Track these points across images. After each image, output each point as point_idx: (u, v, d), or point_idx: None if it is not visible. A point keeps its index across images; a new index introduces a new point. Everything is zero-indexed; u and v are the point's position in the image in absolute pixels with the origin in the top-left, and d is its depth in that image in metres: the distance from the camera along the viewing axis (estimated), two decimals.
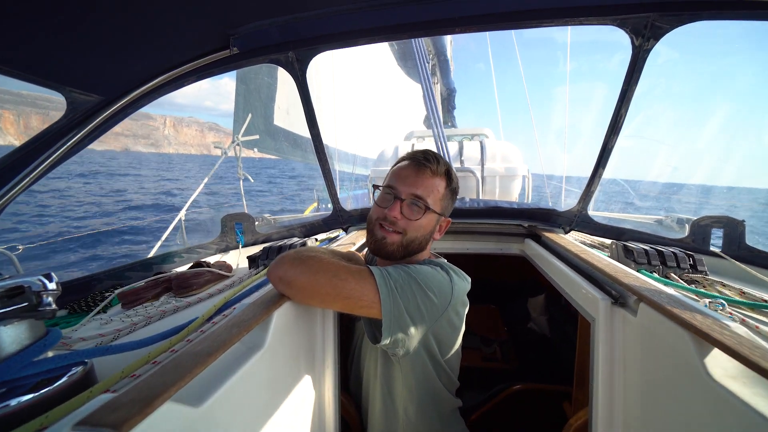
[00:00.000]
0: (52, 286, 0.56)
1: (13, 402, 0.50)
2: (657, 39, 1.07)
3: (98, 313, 1.10)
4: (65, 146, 1.01)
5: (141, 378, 0.61)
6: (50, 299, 0.55)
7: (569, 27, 1.31)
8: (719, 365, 0.62)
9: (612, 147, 1.33)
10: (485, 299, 2.89)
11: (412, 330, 0.87)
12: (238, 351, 0.70)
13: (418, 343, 0.93)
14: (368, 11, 1.19)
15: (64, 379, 0.56)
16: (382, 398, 1.04)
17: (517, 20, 1.19)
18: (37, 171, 0.96)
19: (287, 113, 5.58)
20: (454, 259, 2.01)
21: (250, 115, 4.39)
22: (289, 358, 0.85)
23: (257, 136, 4.28)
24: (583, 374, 1.21)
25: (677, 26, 1.03)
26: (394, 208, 0.96)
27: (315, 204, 5.32)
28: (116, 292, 1.17)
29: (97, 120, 1.06)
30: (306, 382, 0.93)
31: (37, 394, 0.52)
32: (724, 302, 0.82)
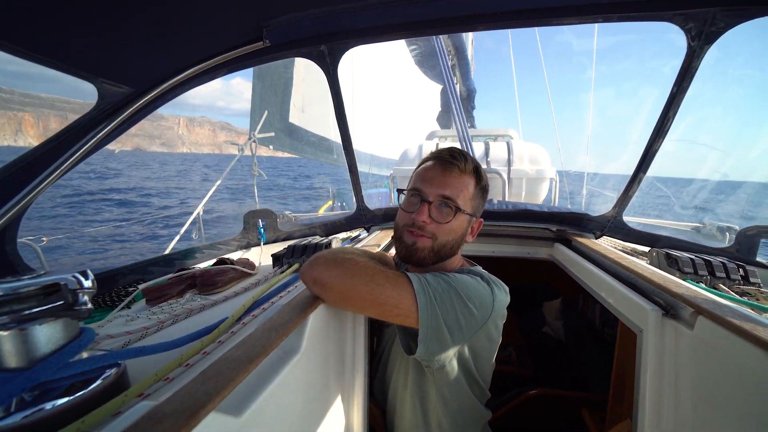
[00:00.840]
0: (88, 284, 0.53)
1: (48, 405, 0.47)
2: (715, 38, 1.00)
3: (123, 308, 1.08)
4: (96, 138, 0.99)
5: (175, 383, 0.59)
6: (86, 298, 0.52)
7: (597, 26, 1.24)
8: None
9: (656, 151, 1.26)
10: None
11: (450, 342, 0.82)
12: (275, 356, 0.67)
13: (454, 355, 0.88)
14: (399, 6, 1.15)
15: (99, 381, 0.53)
16: (413, 410, 0.99)
17: (559, 15, 1.14)
18: (68, 162, 0.94)
19: (302, 111, 5.58)
20: (479, 260, 1.97)
21: (266, 112, 4.39)
22: (321, 363, 0.82)
23: (273, 134, 4.28)
24: (622, 386, 1.15)
25: (740, 22, 0.96)
26: (422, 212, 0.89)
27: (330, 202, 5.31)
28: (140, 287, 1.15)
29: (128, 111, 1.04)
30: (336, 387, 0.90)
31: (72, 397, 0.49)
32: None
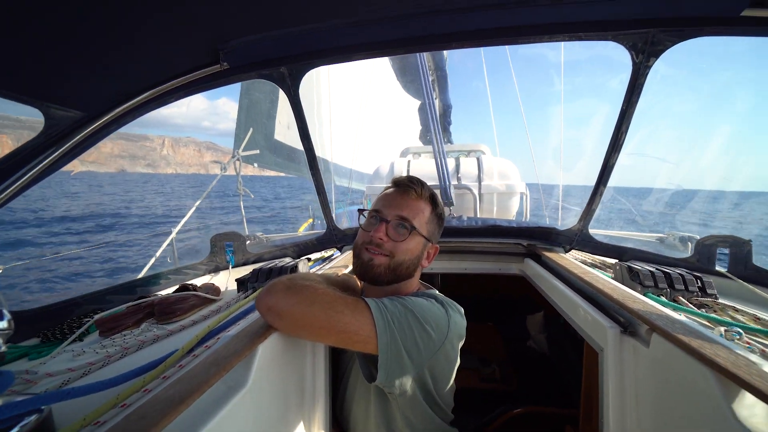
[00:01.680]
0: (2, 325, 0.49)
1: None
2: (657, 56, 1.05)
3: (72, 342, 1.02)
4: (42, 164, 0.95)
5: (107, 425, 0.55)
6: (0, 341, 0.49)
7: (565, 43, 1.29)
8: (747, 408, 0.56)
9: (613, 164, 1.30)
10: (483, 317, 2.83)
11: (410, 366, 0.81)
12: (218, 391, 0.64)
13: (415, 379, 0.87)
14: (362, 26, 1.17)
15: (14, 431, 0.49)
16: None
17: (514, 35, 1.17)
18: (10, 189, 0.90)
19: (288, 128, 5.57)
20: (452, 279, 1.97)
21: (251, 130, 4.35)
22: (276, 395, 0.78)
23: (257, 151, 4.24)
24: (590, 404, 1.15)
25: (678, 42, 1.01)
26: (379, 230, 0.93)
27: (311, 220, 5.26)
28: (94, 318, 1.10)
29: (78, 137, 1.00)
30: (296, 419, 0.87)
31: None
32: (740, 330, 0.77)
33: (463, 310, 0.97)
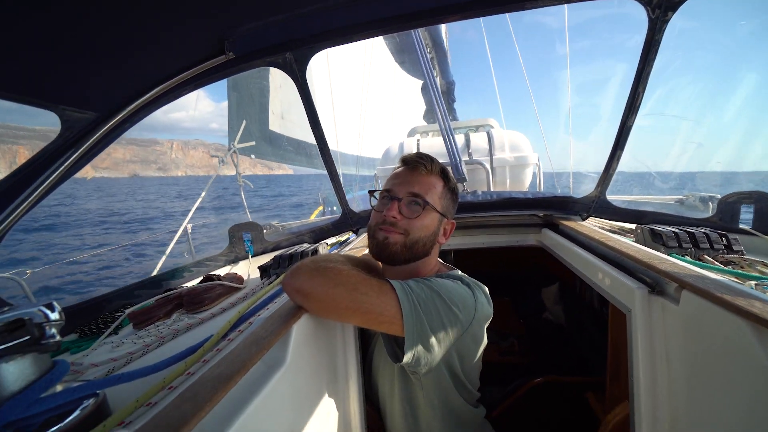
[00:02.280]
0: (54, 316, 0.51)
1: None
2: (674, 9, 1.01)
3: (109, 335, 1.06)
4: (62, 167, 0.97)
5: (158, 408, 0.57)
6: (54, 330, 0.51)
7: (574, 5, 1.25)
8: None
9: (630, 127, 1.27)
10: (498, 292, 2.84)
11: (436, 347, 0.82)
12: (259, 371, 0.66)
13: (441, 360, 0.88)
14: (363, 5, 1.15)
15: (75, 414, 0.51)
16: (403, 417, 0.99)
17: (521, 0, 1.14)
18: (35, 195, 0.92)
19: (282, 118, 5.55)
20: (466, 255, 1.97)
21: (244, 122, 4.35)
22: (312, 373, 0.81)
23: (253, 143, 4.24)
24: (618, 367, 1.16)
25: None
26: (392, 208, 0.92)
27: (321, 207, 5.28)
28: (126, 312, 1.13)
29: (94, 137, 1.02)
30: (330, 396, 0.89)
31: None
32: None
33: (487, 290, 0.97)
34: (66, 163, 0.97)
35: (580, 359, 2.24)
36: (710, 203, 1.85)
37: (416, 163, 0.97)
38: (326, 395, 0.87)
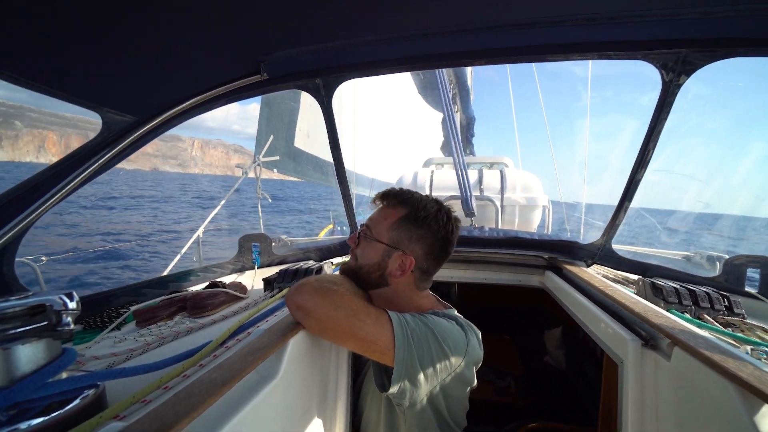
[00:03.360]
0: (72, 305, 0.55)
1: (23, 425, 0.48)
2: (688, 75, 1.05)
3: (113, 330, 1.10)
4: (98, 163, 1.04)
5: (152, 405, 0.60)
6: (69, 319, 0.55)
7: (593, 61, 1.30)
8: None
9: (639, 180, 1.29)
10: (499, 329, 2.80)
11: (423, 382, 0.83)
12: (252, 380, 0.68)
13: (426, 395, 0.89)
14: (394, 42, 1.22)
15: (76, 402, 0.54)
16: None
17: (544, 53, 1.20)
18: (71, 185, 0.99)
19: (307, 136, 5.71)
20: (469, 289, 1.97)
21: (272, 137, 4.49)
22: (302, 389, 0.82)
23: (278, 157, 4.36)
24: (609, 418, 1.13)
25: (710, 62, 1.02)
26: (351, 237, 1.04)
27: (331, 225, 5.34)
28: (132, 309, 1.17)
29: (130, 139, 1.09)
30: (318, 415, 0.90)
31: (47, 417, 0.50)
32: None
33: (480, 335, 0.98)
34: (102, 160, 1.03)
35: (577, 407, 2.17)
36: (717, 263, 1.83)
37: (380, 198, 1.02)
38: (315, 414, 0.88)
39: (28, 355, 0.51)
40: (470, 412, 1.07)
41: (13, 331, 0.50)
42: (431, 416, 0.94)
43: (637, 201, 1.40)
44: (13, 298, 0.52)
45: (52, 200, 0.99)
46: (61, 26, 0.78)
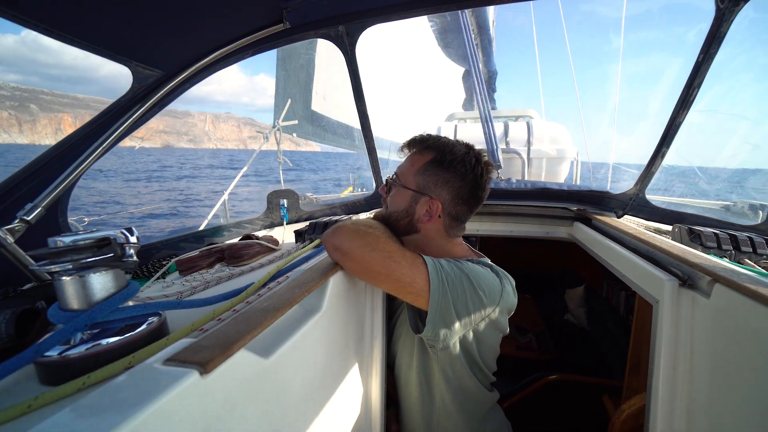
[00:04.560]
0: (133, 239, 0.59)
1: (104, 342, 0.54)
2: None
3: (159, 277, 1.17)
4: (132, 118, 1.07)
5: (210, 331, 0.65)
6: (132, 251, 0.59)
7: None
8: None
9: (680, 123, 1.22)
10: (520, 288, 2.82)
11: (456, 326, 0.85)
12: (297, 313, 0.72)
13: (459, 339, 0.92)
14: None
15: (144, 326, 0.59)
16: (419, 386, 1.04)
17: None
18: (108, 141, 1.02)
19: (324, 99, 5.61)
20: (491, 246, 1.97)
21: (289, 101, 4.45)
22: (341, 326, 0.87)
23: (296, 121, 4.34)
24: (638, 360, 1.16)
25: None
26: (382, 187, 1.06)
27: (351, 188, 5.37)
28: (174, 259, 1.24)
29: (160, 93, 1.11)
30: (355, 351, 0.95)
31: (122, 337, 0.56)
32: None
33: (514, 283, 0.98)
34: (135, 116, 1.06)
35: (599, 362, 2.21)
36: (761, 211, 1.75)
37: (407, 146, 1.02)
38: (353, 351, 0.94)
39: (101, 282, 0.56)
40: None
41: (85, 261, 0.54)
42: (463, 359, 0.97)
43: (676, 151, 1.33)
44: (81, 232, 0.56)
45: (92, 156, 1.03)
46: None
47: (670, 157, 1.37)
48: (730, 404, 0.71)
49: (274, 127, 3.88)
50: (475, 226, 1.80)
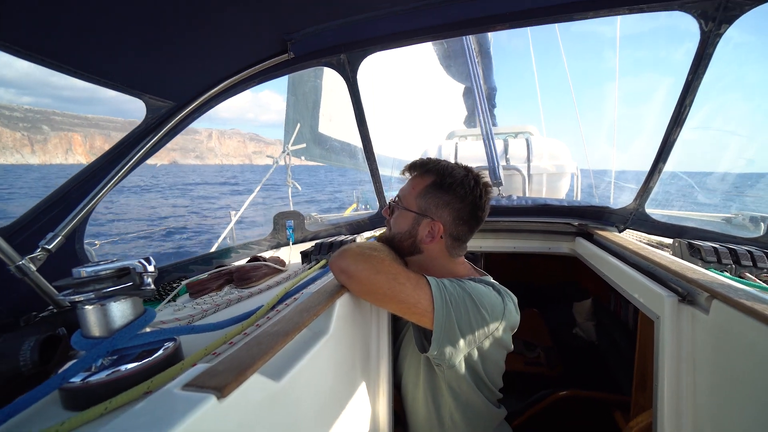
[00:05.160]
0: (151, 268, 0.62)
1: (123, 368, 0.56)
2: (730, 22, 1.00)
3: (169, 301, 1.20)
4: (145, 148, 1.12)
5: (221, 356, 0.67)
6: (150, 280, 0.62)
7: (623, 16, 1.25)
8: None
9: (674, 140, 1.26)
10: (526, 302, 2.81)
11: (461, 344, 0.87)
12: (306, 336, 0.75)
13: (464, 357, 0.94)
14: (415, 12, 1.22)
15: (160, 351, 0.62)
16: (425, 404, 1.05)
17: (570, 12, 1.17)
18: (123, 170, 1.07)
19: (330, 120, 5.73)
20: (497, 262, 1.98)
21: (298, 125, 4.56)
22: (349, 347, 0.89)
23: (304, 145, 4.44)
24: (644, 377, 1.16)
25: (755, 5, 0.96)
26: (385, 209, 1.10)
27: (355, 205, 5.43)
28: (184, 282, 1.27)
29: (171, 123, 1.16)
30: (362, 372, 0.97)
31: (140, 362, 0.58)
32: None
33: (516, 301, 1.00)
34: (147, 146, 1.11)
35: (609, 377, 2.18)
36: (762, 224, 1.76)
37: (408, 169, 1.07)
38: (360, 371, 0.95)
39: (121, 310, 0.59)
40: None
41: (105, 291, 0.57)
42: (468, 376, 0.99)
43: (672, 164, 1.36)
44: (102, 262, 0.59)
45: (109, 185, 1.08)
46: (110, 20, 0.84)
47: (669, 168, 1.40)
48: (735, 420, 0.71)
49: (283, 151, 3.98)
50: (479, 243, 1.83)
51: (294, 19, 1.13)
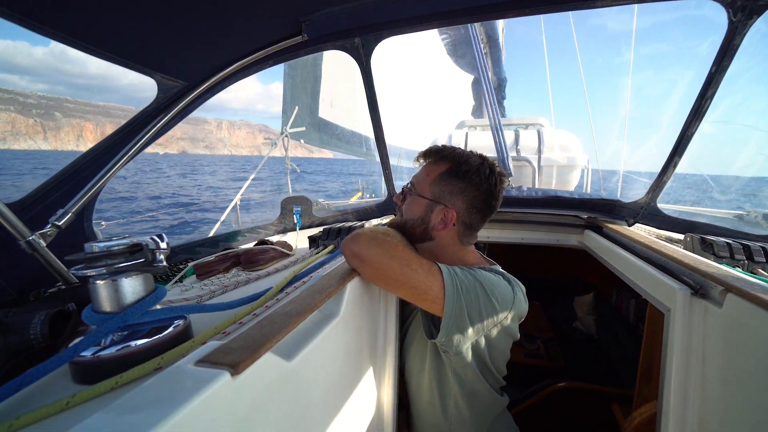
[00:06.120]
0: (163, 245, 0.62)
1: (134, 344, 0.56)
2: (760, 12, 0.96)
3: (176, 282, 1.20)
4: (156, 128, 1.11)
5: (232, 335, 0.67)
6: (162, 257, 0.61)
7: (637, 6, 1.21)
8: None
9: (692, 134, 1.23)
10: (529, 296, 2.80)
11: (470, 331, 0.87)
12: (317, 317, 0.74)
13: (471, 344, 0.94)
14: None
15: (171, 329, 0.62)
16: (430, 390, 1.05)
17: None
18: (133, 150, 1.06)
19: (331, 106, 5.67)
20: (501, 253, 1.97)
21: (297, 108, 4.52)
22: (357, 330, 0.89)
23: (303, 128, 4.41)
24: (649, 369, 1.15)
25: None
26: (398, 195, 1.08)
27: (360, 193, 5.42)
28: (191, 264, 1.27)
29: (182, 103, 1.15)
30: (370, 357, 0.97)
31: (151, 339, 0.58)
32: None
33: (525, 290, 1.00)
34: (158, 125, 1.10)
35: (608, 370, 2.19)
36: None
37: (423, 156, 1.05)
38: (367, 356, 0.95)
39: (132, 286, 0.58)
40: None
41: (118, 266, 0.57)
42: (474, 363, 0.99)
43: (686, 166, 1.33)
44: (115, 238, 0.59)
45: (118, 164, 1.07)
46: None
47: (682, 166, 1.37)
48: (743, 413, 0.71)
49: (282, 133, 3.95)
50: (485, 233, 1.81)
51: (309, 0, 1.10)
